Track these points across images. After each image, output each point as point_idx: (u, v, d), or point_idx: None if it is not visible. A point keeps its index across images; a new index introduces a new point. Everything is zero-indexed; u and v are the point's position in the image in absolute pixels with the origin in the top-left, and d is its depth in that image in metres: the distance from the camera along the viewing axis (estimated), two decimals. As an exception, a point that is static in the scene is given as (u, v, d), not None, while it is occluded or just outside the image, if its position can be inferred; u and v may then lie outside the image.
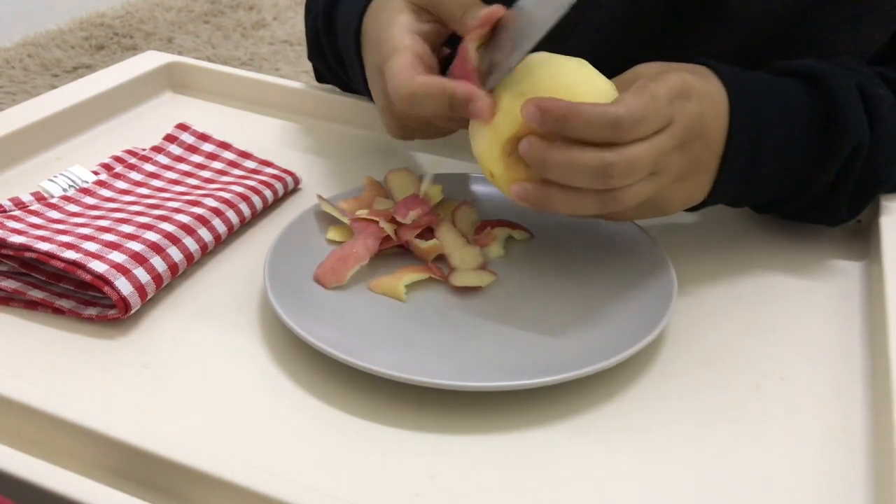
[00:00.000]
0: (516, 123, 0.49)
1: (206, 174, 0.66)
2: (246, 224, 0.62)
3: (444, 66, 0.55)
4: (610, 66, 0.52)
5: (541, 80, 0.49)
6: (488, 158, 0.51)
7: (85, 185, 0.63)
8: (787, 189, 0.57)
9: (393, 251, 0.58)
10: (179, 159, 0.67)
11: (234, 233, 0.61)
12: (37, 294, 0.53)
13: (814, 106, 0.54)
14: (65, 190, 0.62)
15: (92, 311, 0.52)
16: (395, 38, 0.55)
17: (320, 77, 0.80)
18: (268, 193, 0.63)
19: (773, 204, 0.59)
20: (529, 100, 0.47)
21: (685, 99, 0.49)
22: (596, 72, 0.51)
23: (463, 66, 0.52)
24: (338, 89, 0.79)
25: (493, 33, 0.52)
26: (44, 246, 0.52)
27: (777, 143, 0.53)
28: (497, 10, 0.51)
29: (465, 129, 0.57)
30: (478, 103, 0.50)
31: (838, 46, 0.59)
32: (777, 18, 0.59)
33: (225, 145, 0.69)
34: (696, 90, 0.50)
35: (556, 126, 0.46)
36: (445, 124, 0.56)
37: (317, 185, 0.66)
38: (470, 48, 0.52)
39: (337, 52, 0.70)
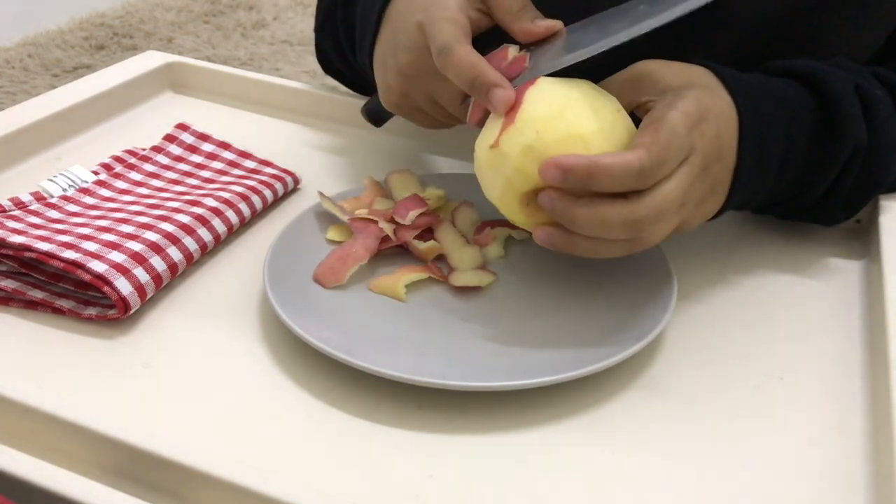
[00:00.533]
0: (532, 180, 0.47)
1: (205, 174, 0.66)
2: (246, 224, 0.62)
3: None
4: (610, 66, 0.52)
5: (548, 131, 0.47)
6: (506, 210, 0.50)
7: (84, 185, 0.63)
8: (788, 192, 0.57)
9: (392, 251, 0.58)
10: (179, 159, 0.67)
11: (234, 233, 0.61)
12: (36, 294, 0.53)
13: (814, 109, 0.54)
14: (64, 190, 0.62)
15: (92, 311, 0.52)
16: (449, 8, 0.54)
17: (323, 59, 0.78)
18: (267, 193, 0.63)
19: (773, 206, 0.59)
20: (548, 161, 0.46)
21: (703, 122, 0.48)
22: (600, 96, 0.49)
23: (497, 61, 0.52)
24: (338, 90, 0.79)
25: (539, 42, 0.53)
26: (43, 246, 0.52)
27: (780, 148, 0.53)
28: (557, 24, 0.52)
29: (459, 132, 0.56)
30: (498, 92, 0.49)
31: (839, 47, 0.59)
32: (777, 19, 0.58)
33: (225, 145, 0.69)
34: (712, 111, 0.49)
35: (580, 184, 0.46)
36: (444, 113, 0.56)
37: (317, 185, 0.66)
38: (511, 49, 0.52)
39: (351, 24, 0.68)
